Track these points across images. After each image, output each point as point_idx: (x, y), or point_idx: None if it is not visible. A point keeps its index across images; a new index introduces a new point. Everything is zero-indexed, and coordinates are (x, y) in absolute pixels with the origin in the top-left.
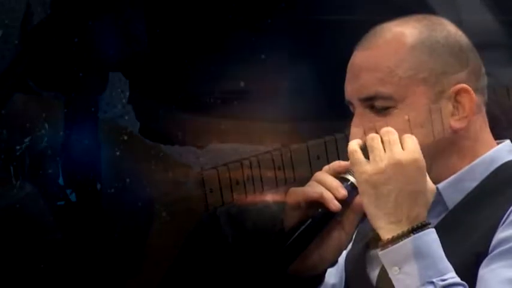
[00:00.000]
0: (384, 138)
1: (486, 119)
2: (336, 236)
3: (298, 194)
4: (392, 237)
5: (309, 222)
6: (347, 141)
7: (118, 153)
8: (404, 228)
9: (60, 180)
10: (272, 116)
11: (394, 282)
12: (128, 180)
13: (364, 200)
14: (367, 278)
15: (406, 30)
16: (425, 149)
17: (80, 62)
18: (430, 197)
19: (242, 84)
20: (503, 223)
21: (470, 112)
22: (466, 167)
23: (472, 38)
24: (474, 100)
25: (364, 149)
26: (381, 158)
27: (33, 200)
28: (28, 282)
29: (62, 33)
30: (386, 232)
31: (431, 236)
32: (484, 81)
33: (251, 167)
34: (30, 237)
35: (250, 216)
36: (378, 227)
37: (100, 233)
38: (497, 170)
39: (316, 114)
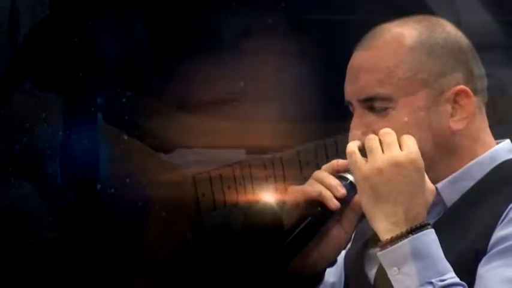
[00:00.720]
0: (383, 139)
1: (486, 120)
2: (335, 234)
3: (297, 192)
4: (391, 237)
5: (308, 220)
6: (342, 144)
7: (116, 153)
8: (403, 228)
9: (59, 180)
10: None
11: (393, 283)
12: (126, 180)
13: (363, 200)
14: (365, 277)
15: (405, 31)
16: (424, 149)
17: (79, 62)
18: (430, 198)
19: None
20: (502, 221)
21: (469, 113)
22: (465, 166)
23: (470, 39)
24: (473, 101)
25: (363, 150)
26: (380, 159)
27: (31, 200)
28: (24, 282)
29: (61, 33)
30: (385, 233)
31: (430, 237)
32: (484, 82)
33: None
34: (29, 237)
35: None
36: (376, 228)
37: (97, 233)
38: (496, 168)
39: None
